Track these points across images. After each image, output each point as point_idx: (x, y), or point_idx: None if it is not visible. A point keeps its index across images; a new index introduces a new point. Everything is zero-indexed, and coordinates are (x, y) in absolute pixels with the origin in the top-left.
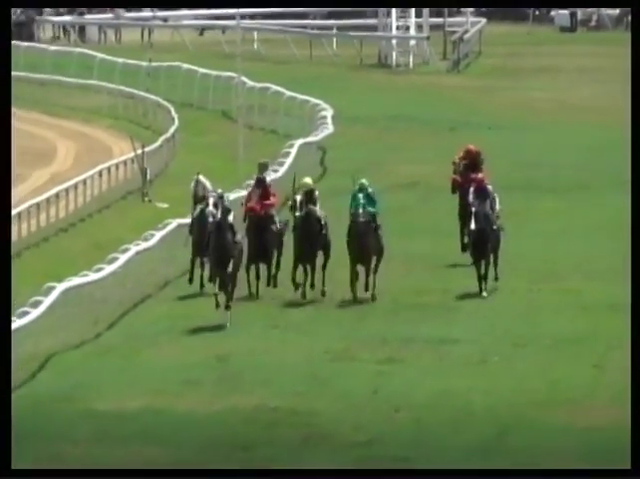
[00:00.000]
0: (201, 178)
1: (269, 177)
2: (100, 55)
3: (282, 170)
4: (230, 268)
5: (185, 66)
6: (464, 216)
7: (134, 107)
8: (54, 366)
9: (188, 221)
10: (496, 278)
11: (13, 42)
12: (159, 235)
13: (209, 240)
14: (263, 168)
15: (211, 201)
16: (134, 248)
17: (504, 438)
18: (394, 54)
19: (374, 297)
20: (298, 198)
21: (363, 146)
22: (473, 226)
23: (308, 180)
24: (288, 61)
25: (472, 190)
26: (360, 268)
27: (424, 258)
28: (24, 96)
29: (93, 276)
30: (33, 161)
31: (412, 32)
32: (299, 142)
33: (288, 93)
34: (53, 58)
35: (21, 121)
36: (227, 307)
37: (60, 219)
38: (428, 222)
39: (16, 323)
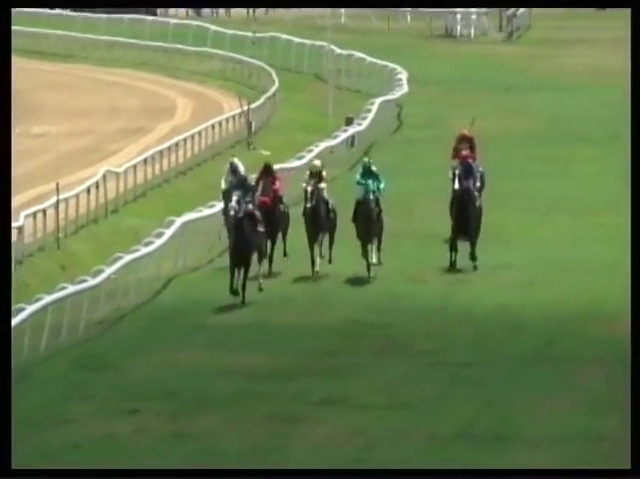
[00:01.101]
0: (236, 160)
1: (353, 129)
2: (212, 27)
3: (365, 123)
4: (250, 263)
5: (284, 36)
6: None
7: (240, 71)
8: (174, 286)
9: (290, 165)
10: (474, 258)
11: (140, 16)
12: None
13: (230, 236)
14: (349, 121)
15: (234, 197)
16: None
17: (551, 347)
18: (458, 27)
19: (379, 262)
20: (309, 189)
21: (432, 103)
22: (456, 185)
23: (317, 162)
24: (369, 32)
25: (457, 163)
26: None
27: (483, 197)
28: (149, 61)
29: (206, 212)
30: (157, 115)
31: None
32: (379, 100)
33: (369, 59)
34: (173, 30)
35: (147, 82)
36: (243, 287)
37: (179, 164)
38: (486, 166)
39: (142, 251)
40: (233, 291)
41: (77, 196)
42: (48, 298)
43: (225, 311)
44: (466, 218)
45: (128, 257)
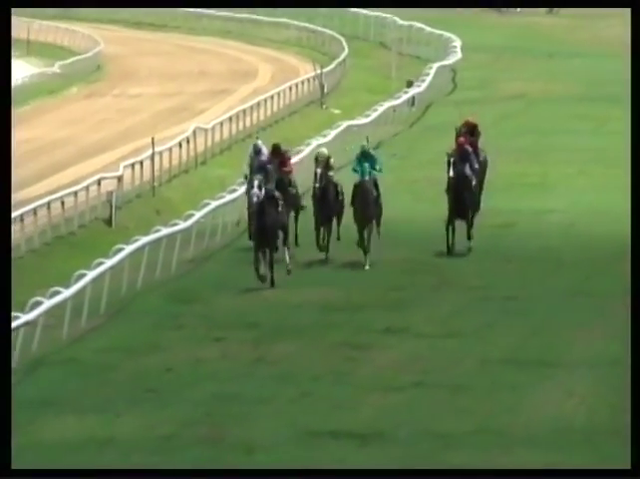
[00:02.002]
0: (260, 142)
1: (413, 91)
2: None
3: (424, 85)
4: (275, 247)
5: (352, 9)
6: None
7: (314, 39)
8: None
9: (357, 121)
10: (470, 238)
11: None
12: (333, 133)
13: (252, 222)
14: (410, 84)
15: (256, 182)
16: (314, 142)
17: (587, 283)
18: None
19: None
20: (318, 171)
21: (482, 68)
22: (451, 172)
23: (324, 150)
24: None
25: (452, 149)
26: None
27: (528, 150)
28: (233, 31)
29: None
30: (240, 78)
31: None
32: (436, 65)
33: (428, 29)
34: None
35: (231, 49)
36: (271, 268)
37: (260, 121)
38: (531, 123)
39: (227, 198)
40: (260, 276)
41: (170, 149)
42: (144, 239)
43: (302, 251)
44: (462, 201)
45: (215, 204)
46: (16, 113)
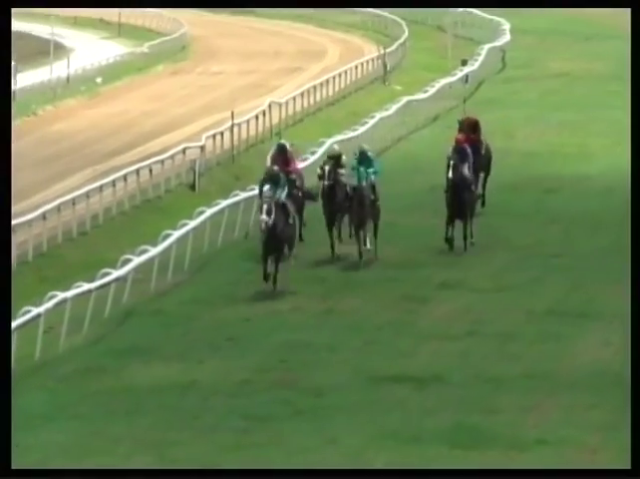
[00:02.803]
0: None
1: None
2: None
3: (476, 64)
4: (281, 254)
5: None
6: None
7: (378, 23)
8: None
9: (416, 97)
10: (471, 236)
11: None
12: (394, 107)
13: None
14: (464, 63)
15: (265, 207)
16: (378, 116)
17: (623, 241)
18: None
19: (365, 254)
20: (327, 167)
21: (528, 49)
22: (450, 174)
23: (336, 147)
24: None
25: (452, 149)
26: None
27: (569, 123)
28: (304, 15)
29: (350, 134)
30: (310, 58)
31: None
32: (487, 46)
33: (480, 13)
34: None
35: (301, 31)
36: (274, 277)
37: (329, 96)
38: (572, 99)
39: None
40: (266, 277)
41: (247, 121)
42: (224, 203)
43: None
44: (460, 203)
45: None
46: (108, 89)
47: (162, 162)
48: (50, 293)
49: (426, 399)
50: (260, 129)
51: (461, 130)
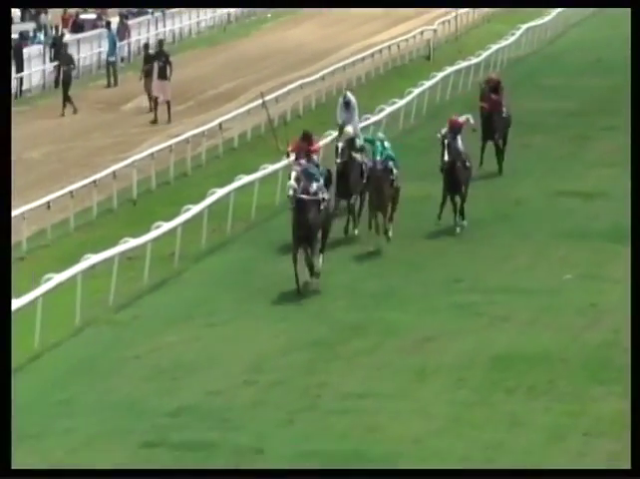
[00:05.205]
0: (349, 94)
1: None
2: None
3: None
4: (313, 243)
5: None
6: (486, 131)
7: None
8: None
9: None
10: (463, 216)
11: None
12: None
13: (292, 216)
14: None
15: (293, 174)
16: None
17: None
18: None
19: (388, 238)
20: (340, 144)
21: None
22: (446, 157)
23: (349, 129)
24: None
25: (446, 128)
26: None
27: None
28: None
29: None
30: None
31: None
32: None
33: None
34: None
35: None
36: (311, 271)
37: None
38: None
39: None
40: (297, 274)
41: (467, 12)
42: (450, 69)
43: None
44: (455, 182)
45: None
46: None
47: (407, 40)
48: None
49: (592, 208)
50: (476, 17)
51: (483, 94)
